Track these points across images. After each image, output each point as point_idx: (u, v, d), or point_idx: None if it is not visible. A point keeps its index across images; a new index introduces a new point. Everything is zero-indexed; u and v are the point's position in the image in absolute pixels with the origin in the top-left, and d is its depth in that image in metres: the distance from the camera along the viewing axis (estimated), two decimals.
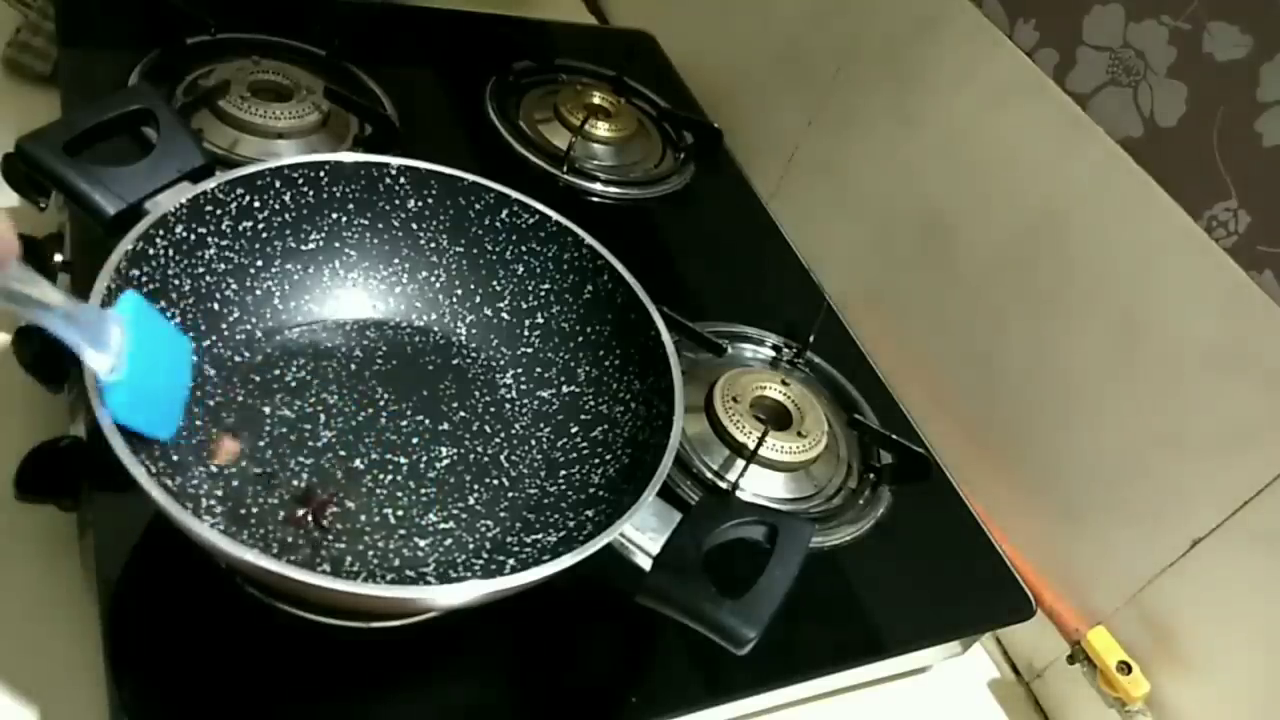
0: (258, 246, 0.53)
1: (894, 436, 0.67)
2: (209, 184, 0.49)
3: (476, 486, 0.53)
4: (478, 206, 0.58)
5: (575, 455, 0.55)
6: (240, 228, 0.52)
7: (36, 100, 0.74)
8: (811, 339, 0.72)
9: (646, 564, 0.44)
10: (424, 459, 0.53)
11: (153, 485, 0.37)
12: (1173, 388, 0.60)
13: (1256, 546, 0.56)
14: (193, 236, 0.49)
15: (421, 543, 0.49)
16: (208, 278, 0.51)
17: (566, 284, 0.58)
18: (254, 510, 0.48)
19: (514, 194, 0.57)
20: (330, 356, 0.56)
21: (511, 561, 0.50)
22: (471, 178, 0.57)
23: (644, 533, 0.44)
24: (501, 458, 0.55)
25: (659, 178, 0.85)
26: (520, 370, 0.59)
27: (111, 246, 0.45)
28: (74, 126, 0.47)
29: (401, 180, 0.56)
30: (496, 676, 0.49)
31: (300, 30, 0.78)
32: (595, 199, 0.80)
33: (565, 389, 0.58)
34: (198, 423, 0.49)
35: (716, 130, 0.89)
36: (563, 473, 0.54)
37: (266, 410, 0.52)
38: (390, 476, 0.51)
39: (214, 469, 0.48)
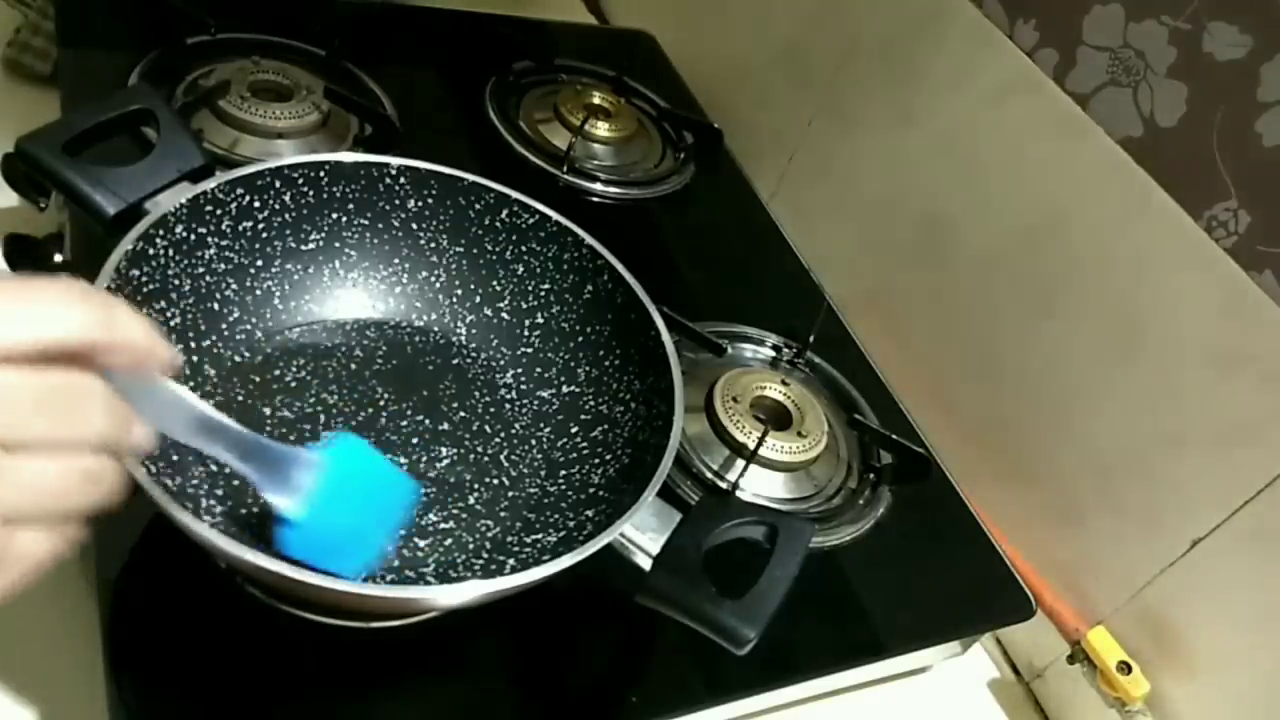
0: (258, 246, 0.53)
1: (894, 436, 0.67)
2: (209, 184, 0.49)
3: (476, 486, 0.53)
4: (478, 206, 0.58)
5: (575, 455, 0.55)
6: (240, 228, 0.52)
7: (36, 100, 0.74)
8: (811, 339, 0.72)
9: (646, 564, 0.44)
10: (424, 459, 0.53)
11: (153, 485, 0.37)
12: (1173, 388, 0.60)
13: (1256, 546, 0.56)
14: (193, 236, 0.49)
15: (421, 543, 0.49)
16: (208, 278, 0.51)
17: (566, 284, 0.58)
18: (254, 510, 0.48)
19: (514, 194, 0.57)
20: (330, 356, 0.56)
21: (511, 561, 0.49)
22: (471, 178, 0.57)
23: (644, 533, 0.44)
24: (501, 458, 0.55)
25: (659, 178, 0.85)
26: (520, 370, 0.59)
27: (111, 246, 0.44)
28: (74, 126, 0.47)
29: (401, 180, 0.56)
30: (497, 676, 0.49)
31: (300, 30, 0.78)
32: (595, 199, 0.80)
33: (565, 389, 0.58)
34: None
35: (716, 130, 0.89)
36: (563, 473, 0.54)
37: (267, 411, 0.52)
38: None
39: (214, 469, 0.48)
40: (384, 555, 0.47)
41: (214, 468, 0.48)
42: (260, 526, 0.47)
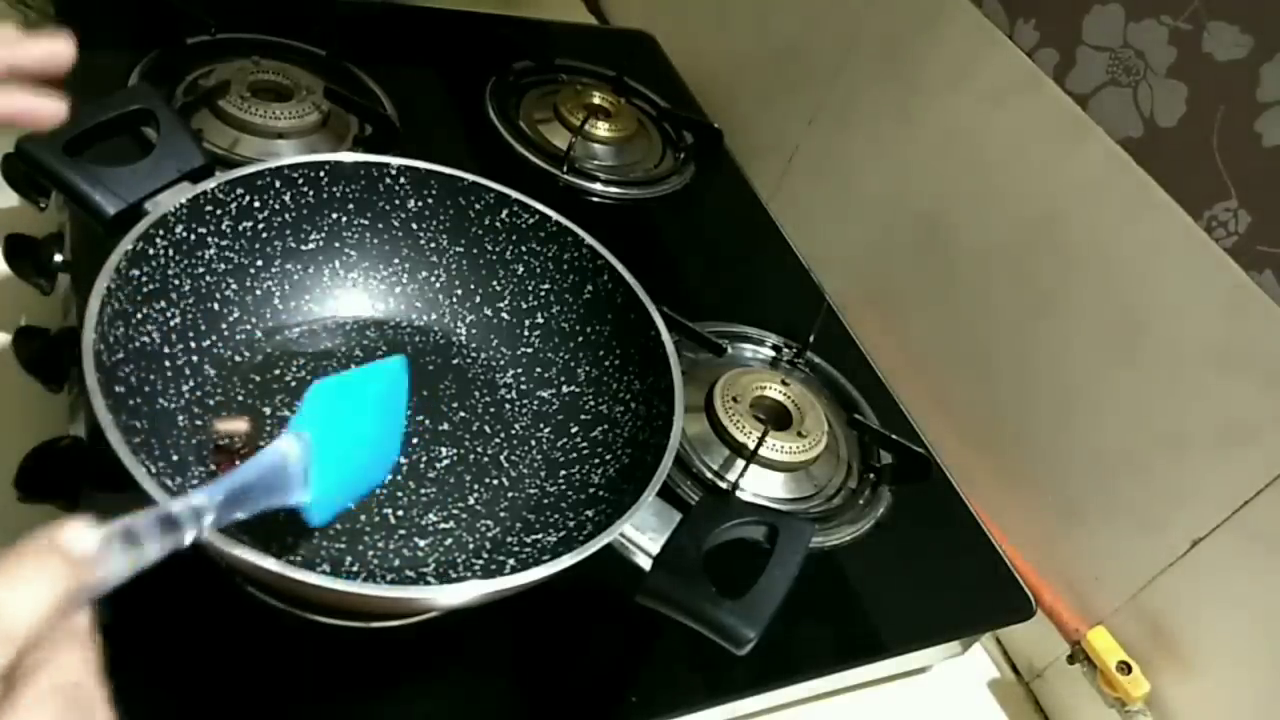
0: (258, 246, 0.53)
1: (894, 436, 0.67)
2: (209, 184, 0.49)
3: (476, 486, 0.53)
4: (478, 206, 0.58)
5: (575, 455, 0.55)
6: (240, 228, 0.52)
7: None
8: (811, 339, 0.72)
9: (646, 564, 0.44)
10: (424, 459, 0.53)
11: (153, 485, 0.37)
12: (1173, 387, 0.60)
13: (1256, 546, 0.56)
14: (193, 236, 0.49)
15: (421, 543, 0.49)
16: (208, 278, 0.51)
17: (566, 284, 0.58)
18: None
19: (514, 194, 0.57)
20: (330, 356, 0.56)
21: (511, 561, 0.49)
22: (471, 178, 0.57)
23: (644, 533, 0.44)
24: (501, 458, 0.55)
25: (659, 178, 0.85)
26: (520, 370, 0.59)
27: (111, 246, 0.44)
28: (74, 126, 0.47)
29: (401, 180, 0.56)
30: (496, 676, 0.49)
31: (300, 30, 0.78)
32: (595, 199, 0.80)
33: (565, 389, 0.58)
34: (198, 422, 0.49)
35: (716, 130, 0.89)
36: (563, 473, 0.54)
37: (267, 410, 0.52)
38: (390, 476, 0.51)
39: (213, 468, 0.48)
40: (403, 442, 0.51)
41: (213, 467, 0.48)
42: (260, 527, 0.47)
